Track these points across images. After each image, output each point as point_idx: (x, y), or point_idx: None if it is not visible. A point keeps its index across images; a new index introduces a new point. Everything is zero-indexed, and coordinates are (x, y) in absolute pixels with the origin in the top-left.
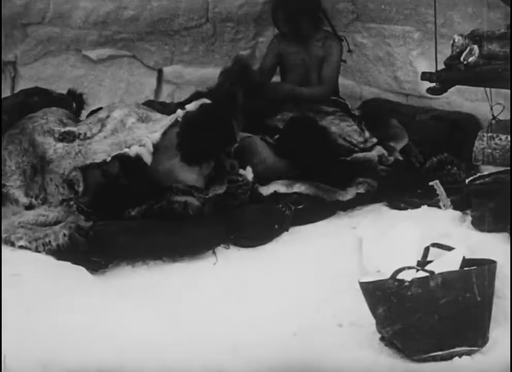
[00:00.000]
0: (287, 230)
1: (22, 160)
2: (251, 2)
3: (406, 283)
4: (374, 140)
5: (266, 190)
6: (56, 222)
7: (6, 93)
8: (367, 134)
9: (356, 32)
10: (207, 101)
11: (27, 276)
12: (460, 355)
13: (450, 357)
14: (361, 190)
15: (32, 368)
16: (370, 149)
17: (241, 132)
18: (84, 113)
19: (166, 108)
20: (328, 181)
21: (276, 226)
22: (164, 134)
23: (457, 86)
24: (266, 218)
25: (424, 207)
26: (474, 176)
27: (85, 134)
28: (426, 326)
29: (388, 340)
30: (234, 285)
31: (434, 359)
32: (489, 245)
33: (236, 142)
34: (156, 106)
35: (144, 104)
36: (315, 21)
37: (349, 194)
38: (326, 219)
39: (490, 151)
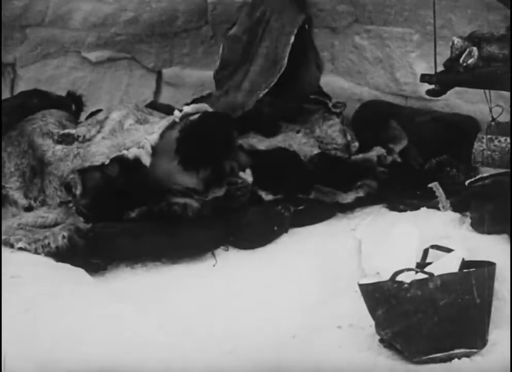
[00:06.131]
0: (286, 232)
1: (21, 162)
2: None
3: (406, 285)
4: (357, 144)
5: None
6: (55, 224)
7: (5, 95)
8: (349, 137)
9: (355, 34)
10: (206, 105)
11: (26, 278)
12: (459, 357)
13: (449, 359)
14: (361, 194)
15: (32, 369)
16: (356, 153)
17: None
18: (84, 115)
19: (171, 110)
20: (329, 184)
21: (275, 228)
22: (162, 135)
23: (456, 88)
24: (265, 220)
25: (423, 209)
26: (473, 178)
27: (84, 136)
28: (425, 328)
29: (388, 342)
30: (233, 287)
31: (433, 361)
32: (488, 247)
33: (234, 152)
34: (160, 107)
35: (147, 105)
36: None
37: (349, 198)
38: (325, 221)
39: (489, 153)
